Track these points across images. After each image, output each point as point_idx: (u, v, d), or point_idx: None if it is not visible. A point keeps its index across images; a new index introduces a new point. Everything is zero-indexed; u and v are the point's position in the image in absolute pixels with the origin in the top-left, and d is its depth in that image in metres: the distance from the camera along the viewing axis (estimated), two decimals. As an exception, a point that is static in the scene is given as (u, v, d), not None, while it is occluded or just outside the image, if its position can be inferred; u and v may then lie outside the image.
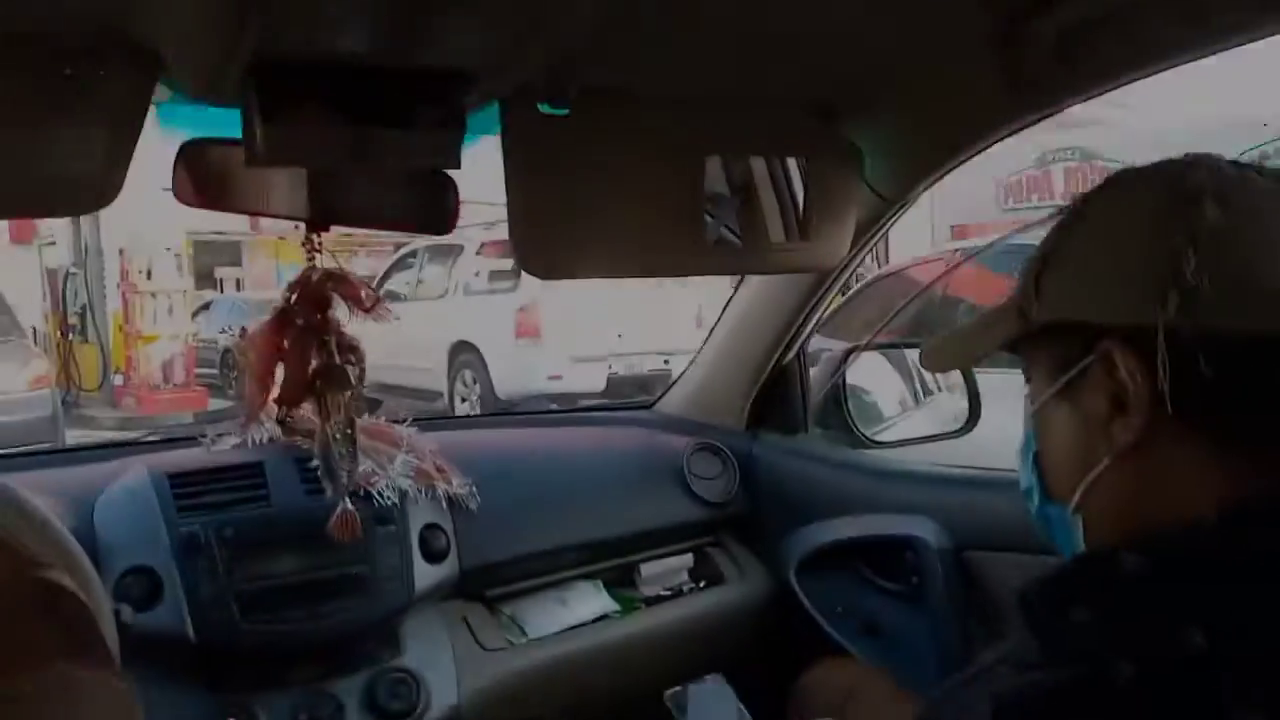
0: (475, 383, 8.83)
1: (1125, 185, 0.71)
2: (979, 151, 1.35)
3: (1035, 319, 0.71)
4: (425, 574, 1.39)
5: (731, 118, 1.27)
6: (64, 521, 1.21)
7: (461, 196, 1.19)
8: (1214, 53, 1.04)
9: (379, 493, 1.38)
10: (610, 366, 8.61)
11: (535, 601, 1.54)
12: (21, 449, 2.14)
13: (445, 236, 8.40)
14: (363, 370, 1.24)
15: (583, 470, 1.69)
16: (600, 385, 8.47)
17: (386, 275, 9.98)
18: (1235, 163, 0.68)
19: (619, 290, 7.60)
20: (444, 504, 1.46)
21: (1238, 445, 0.64)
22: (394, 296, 9.57)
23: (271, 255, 17.35)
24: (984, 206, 14.85)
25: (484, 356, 8.77)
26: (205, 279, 15.87)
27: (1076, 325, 0.68)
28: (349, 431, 1.21)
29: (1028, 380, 0.76)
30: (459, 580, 1.45)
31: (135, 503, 1.31)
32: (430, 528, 1.42)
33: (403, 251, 10.27)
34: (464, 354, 9.00)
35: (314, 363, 1.20)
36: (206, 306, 14.13)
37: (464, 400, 8.88)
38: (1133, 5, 0.98)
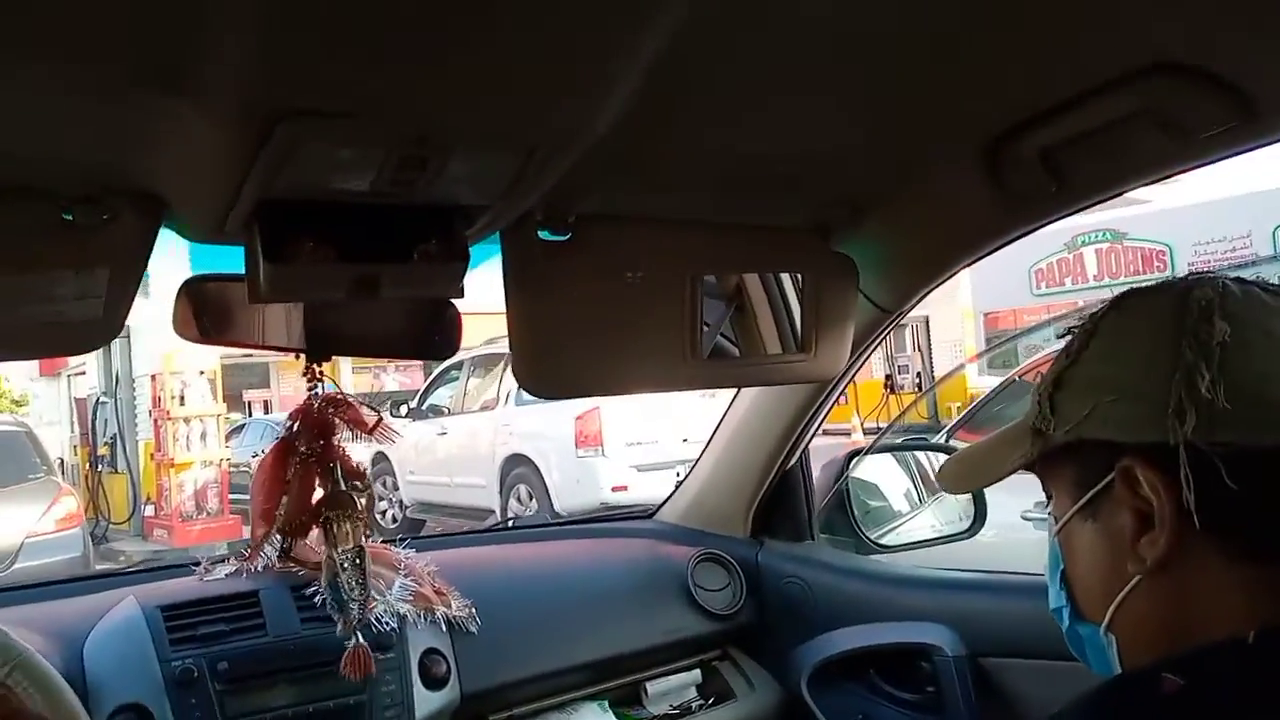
0: (532, 498, 8.33)
1: (1133, 305, 0.72)
2: (973, 262, 1.37)
3: (1053, 438, 0.71)
4: (426, 701, 1.36)
5: (726, 236, 1.29)
6: (53, 659, 1.18)
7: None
8: (1197, 167, 1.07)
9: (377, 618, 1.35)
10: (678, 474, 8.07)
11: (539, 725, 1.49)
12: (13, 584, 2.09)
13: (492, 346, 8.27)
14: (371, 496, 1.23)
15: (584, 586, 1.66)
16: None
17: (429, 390, 9.80)
18: (1239, 279, 0.69)
19: (682, 393, 7.16)
20: (443, 627, 1.43)
21: (1266, 559, 0.63)
22: (437, 411, 9.47)
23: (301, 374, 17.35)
24: (1017, 293, 15.17)
25: (540, 470, 8.25)
26: (234, 401, 15.61)
27: (1095, 444, 0.68)
28: (358, 561, 1.19)
29: (1048, 500, 0.77)
30: (460, 706, 1.41)
31: (126, 637, 1.28)
32: (430, 653, 1.39)
33: (447, 364, 9.76)
34: (518, 468, 8.46)
35: (319, 491, 1.19)
36: (239, 430, 13.66)
37: (518, 519, 8.29)
38: (1116, 123, 1.00)
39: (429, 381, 10.08)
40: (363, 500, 1.19)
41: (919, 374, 15.85)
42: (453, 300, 1.17)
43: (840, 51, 0.89)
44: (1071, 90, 0.99)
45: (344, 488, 1.18)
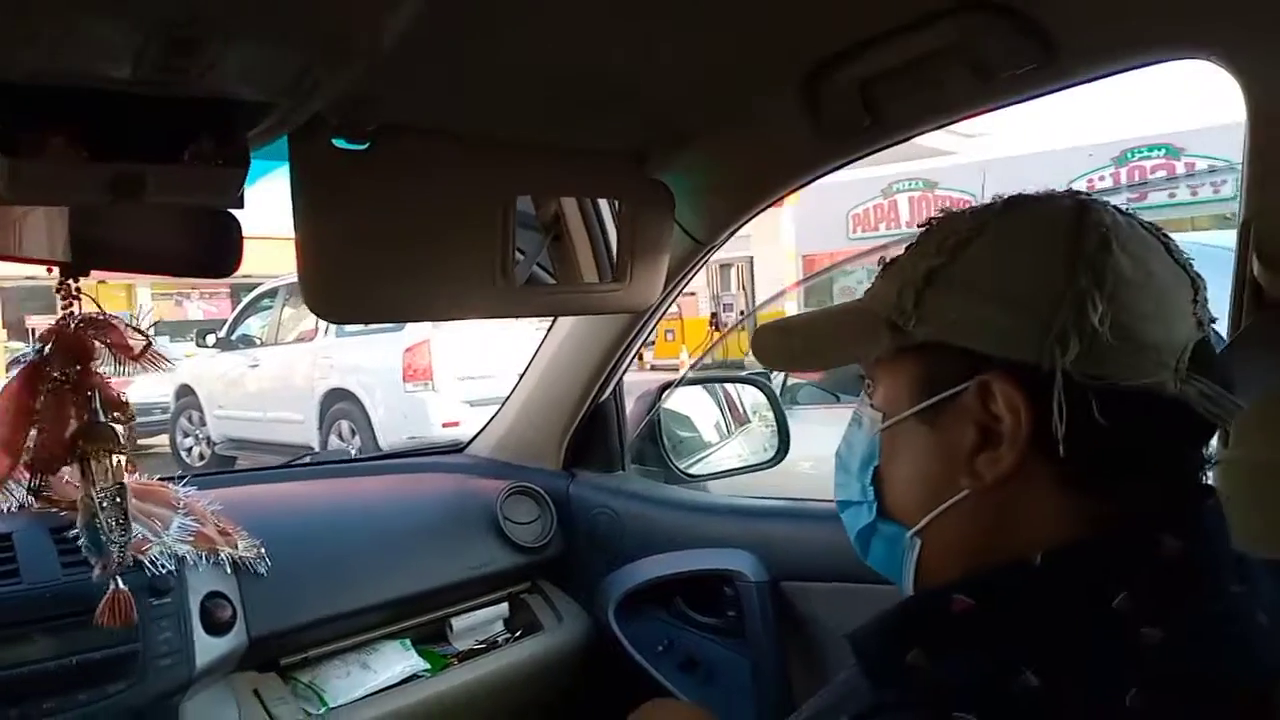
0: (355, 434, 7.78)
1: (1026, 213, 0.68)
2: (788, 193, 1.37)
3: (912, 335, 0.67)
4: (208, 647, 1.26)
5: (541, 159, 1.23)
6: None
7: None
8: (1002, 106, 1.09)
9: (151, 561, 1.24)
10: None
11: (336, 667, 1.42)
12: None
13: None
14: (133, 428, 1.10)
15: (387, 522, 1.59)
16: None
17: (239, 319, 9.09)
18: (1119, 209, 0.67)
19: (523, 324, 6.49)
20: (228, 569, 1.33)
21: (1092, 490, 0.64)
22: (248, 341, 8.83)
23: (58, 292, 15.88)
24: (835, 237, 15.67)
25: (364, 405, 7.74)
26: (16, 328, 14.06)
27: (956, 349, 0.65)
28: (118, 500, 1.07)
29: (870, 389, 0.73)
30: (248, 651, 1.32)
31: None
32: (213, 596, 1.29)
33: (258, 291, 9.17)
34: (340, 403, 7.92)
35: (74, 423, 1.06)
36: (19, 361, 12.47)
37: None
38: (927, 58, 1.01)
39: (238, 310, 9.42)
40: (124, 433, 1.07)
41: (743, 312, 16.32)
42: (233, 212, 1.06)
43: None
44: (887, 23, 0.99)
45: (103, 419, 1.06)
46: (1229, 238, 1.00)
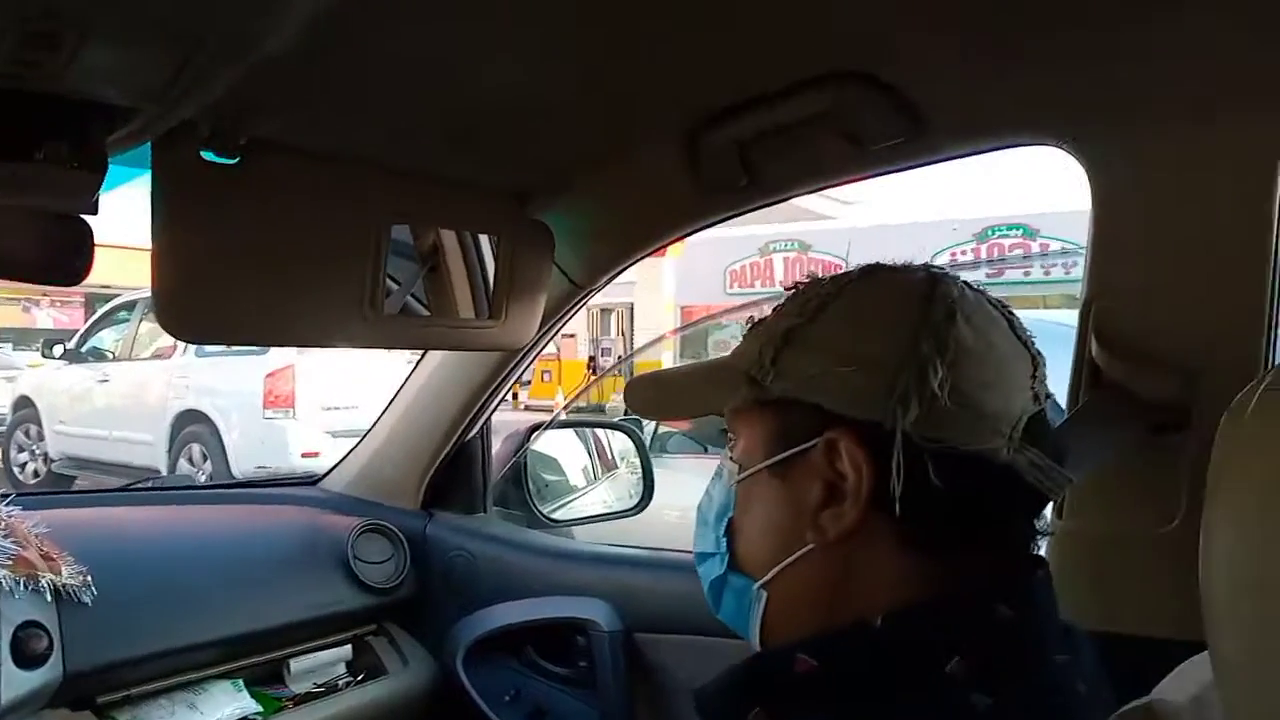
0: (206, 459, 7.44)
1: (881, 281, 0.72)
2: (668, 243, 1.39)
3: (769, 391, 0.70)
4: (16, 681, 1.16)
5: (420, 188, 1.21)
6: None
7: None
8: (872, 176, 1.14)
9: (-39, 585, 1.14)
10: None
11: (159, 707, 1.32)
12: None
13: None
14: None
15: (228, 554, 1.51)
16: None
17: (91, 330, 8.56)
18: (969, 284, 0.71)
19: (394, 354, 6.35)
20: (49, 596, 1.23)
21: (930, 552, 0.66)
22: (99, 355, 8.35)
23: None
24: (713, 290, 16.02)
25: (219, 429, 7.41)
26: None
27: (808, 406, 0.68)
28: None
29: (732, 443, 0.75)
30: (62, 686, 1.22)
31: None
32: (28, 626, 1.19)
33: (115, 303, 8.67)
34: (193, 425, 7.57)
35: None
36: None
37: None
38: (801, 124, 1.05)
39: (92, 321, 8.88)
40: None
41: (620, 357, 16.46)
42: (84, 217, 1.00)
43: (552, 13, 0.85)
44: (764, 88, 1.03)
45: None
46: (1075, 317, 1.07)
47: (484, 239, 1.34)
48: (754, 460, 0.72)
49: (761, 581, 0.72)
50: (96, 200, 0.94)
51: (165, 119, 0.91)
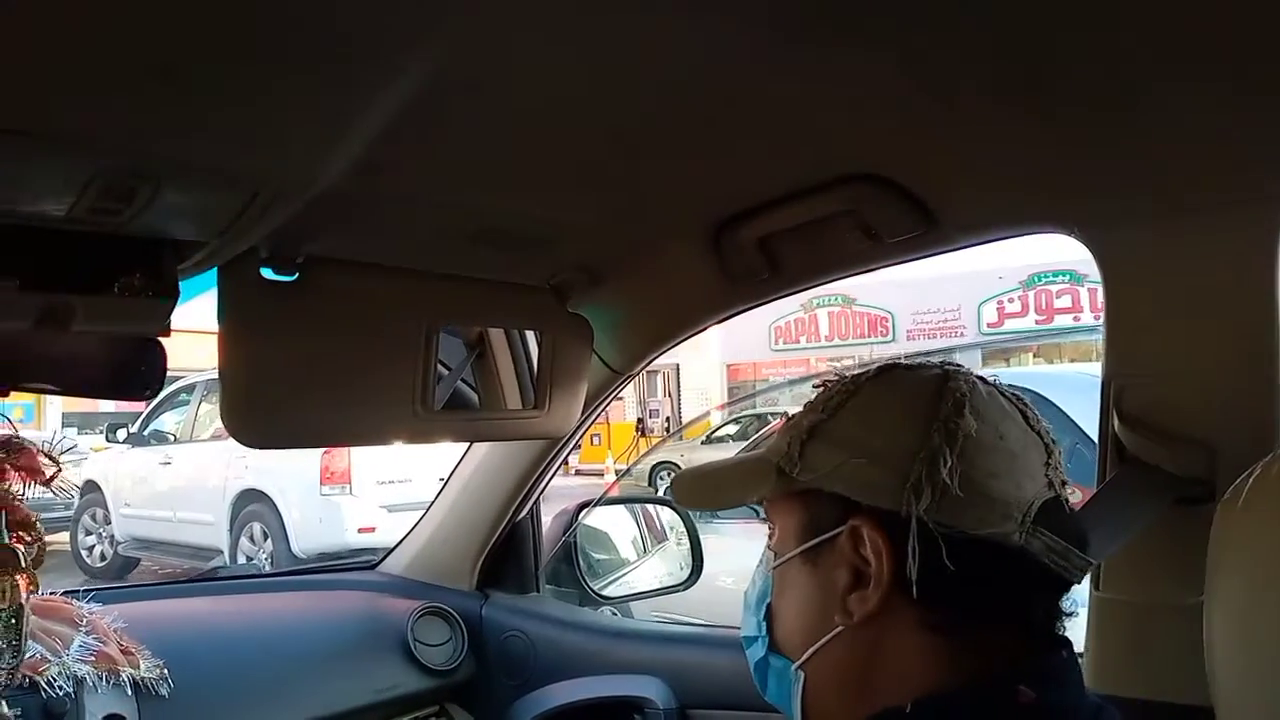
0: (267, 538, 7.56)
1: (895, 378, 0.77)
2: (701, 330, 1.44)
3: (796, 482, 0.75)
4: (104, 772, 1.23)
5: (464, 290, 1.28)
6: None
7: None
8: (888, 265, 1.19)
9: (49, 682, 1.21)
10: (432, 515, 7.57)
11: (234, 794, 1.39)
12: None
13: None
14: (41, 548, 1.10)
15: (294, 642, 1.57)
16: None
17: (153, 413, 8.79)
18: (984, 379, 0.76)
19: None
20: (129, 690, 1.30)
21: (950, 633, 0.70)
22: (161, 438, 8.56)
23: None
24: (757, 348, 16.09)
25: (278, 507, 7.49)
26: None
27: (832, 496, 0.73)
28: (14, 621, 1.06)
29: (771, 533, 0.80)
30: None
31: None
32: (111, 719, 1.26)
33: (175, 386, 8.84)
34: (252, 504, 7.68)
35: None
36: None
37: (250, 560, 7.59)
38: (821, 221, 1.11)
39: (153, 404, 9.12)
40: (30, 554, 1.06)
41: (668, 418, 16.48)
42: (158, 338, 1.08)
43: (582, 134, 0.92)
44: (784, 189, 1.09)
45: (4, 540, 1.06)
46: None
47: (528, 334, 1.41)
48: (787, 548, 0.77)
49: (798, 663, 0.76)
50: (169, 323, 1.03)
51: (229, 249, 1.00)
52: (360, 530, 7.23)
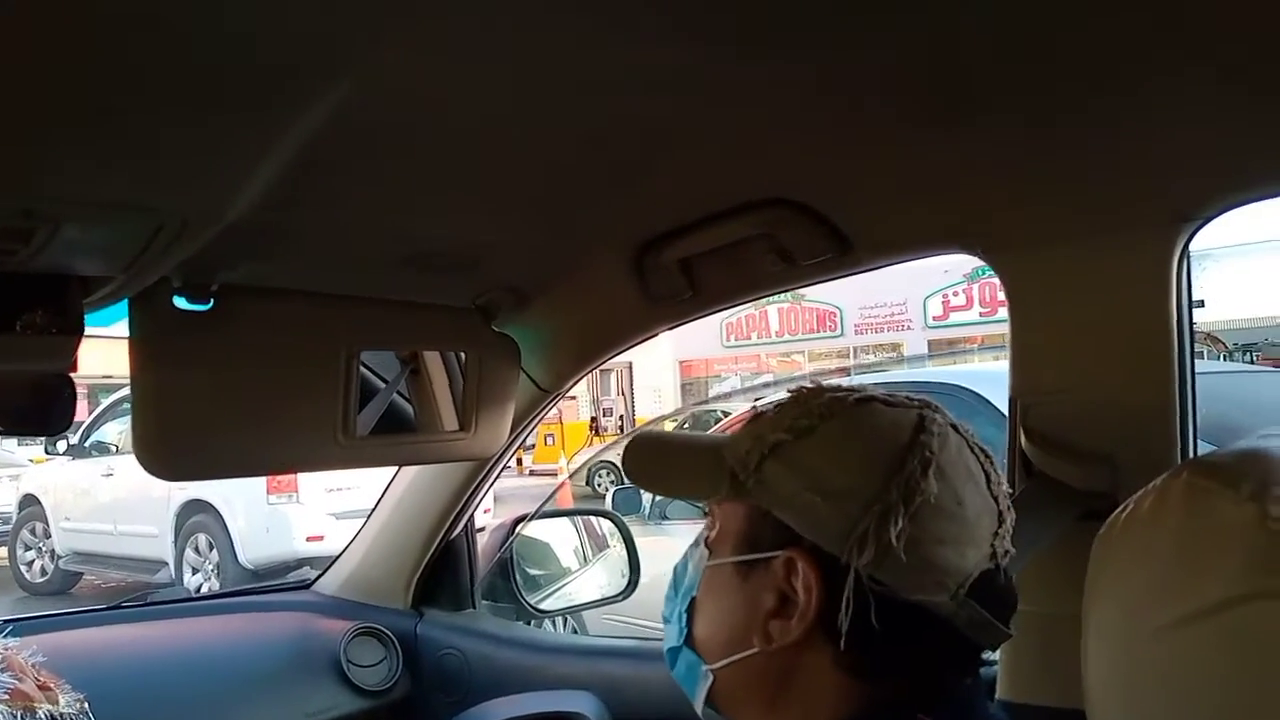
0: (212, 548, 7.48)
1: (870, 416, 0.74)
2: (627, 348, 1.45)
3: (747, 494, 0.74)
4: (18, 815, 1.20)
5: (385, 313, 1.27)
6: None
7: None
8: (805, 285, 1.21)
9: (-40, 724, 1.19)
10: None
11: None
12: None
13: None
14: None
15: (225, 667, 1.55)
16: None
17: (94, 424, 8.56)
18: (961, 430, 0.74)
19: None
20: (47, 728, 1.27)
21: (864, 676, 0.71)
22: (103, 449, 8.35)
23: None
24: (710, 344, 16.11)
25: (224, 517, 7.38)
26: None
27: (778, 520, 0.72)
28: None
29: (711, 526, 0.79)
30: None
31: None
32: (28, 758, 1.23)
33: (116, 396, 8.63)
34: (197, 515, 7.57)
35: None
36: None
37: (196, 571, 7.54)
38: (739, 243, 1.12)
39: (95, 414, 8.89)
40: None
41: (621, 416, 16.49)
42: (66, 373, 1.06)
43: (504, 159, 0.92)
44: (702, 213, 1.10)
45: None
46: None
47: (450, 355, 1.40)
48: (723, 552, 0.77)
49: (710, 666, 0.77)
50: (75, 359, 1.01)
51: (138, 282, 0.98)
52: (309, 539, 7.13)
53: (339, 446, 1.22)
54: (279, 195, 0.86)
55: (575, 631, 2.27)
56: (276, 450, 1.19)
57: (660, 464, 0.88)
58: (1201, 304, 13.04)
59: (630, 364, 17.05)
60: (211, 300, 1.10)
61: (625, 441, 0.89)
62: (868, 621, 0.68)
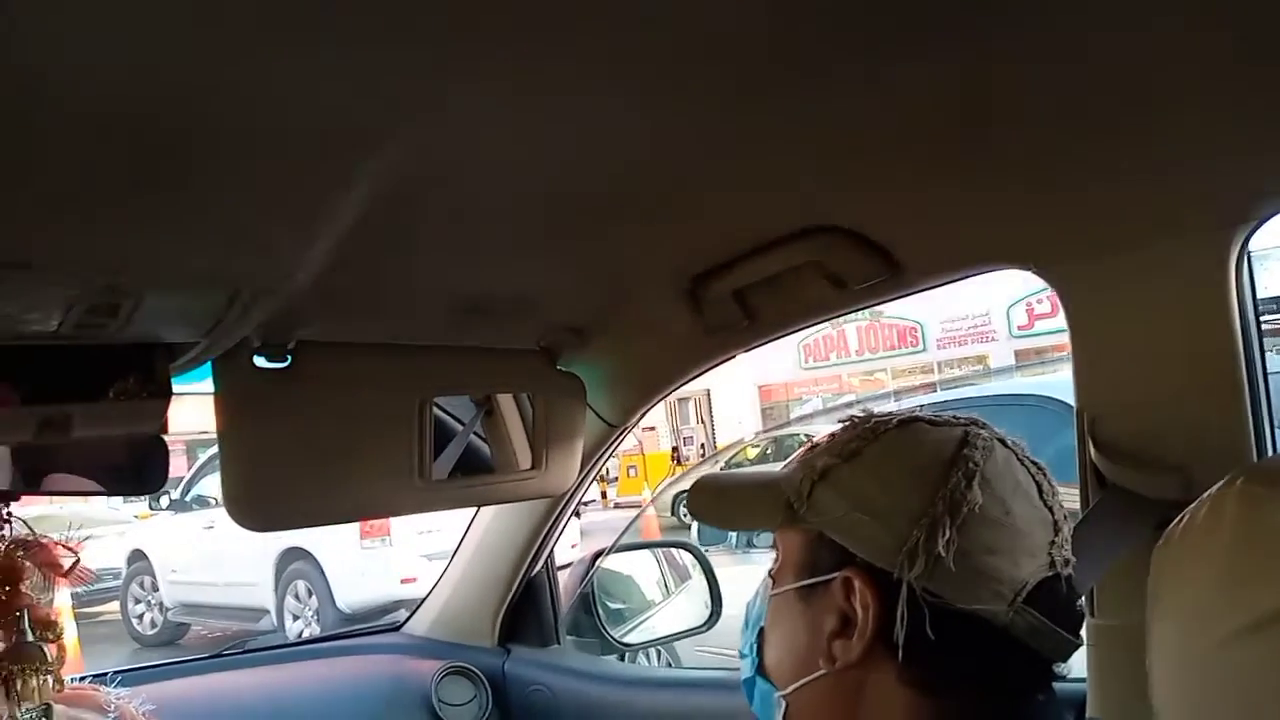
0: (311, 595, 7.68)
1: (915, 435, 0.76)
2: (690, 379, 1.47)
3: (801, 520, 0.76)
4: None
5: (454, 359, 1.32)
6: None
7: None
8: (856, 310, 1.22)
9: (79, 773, 1.25)
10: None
11: None
12: None
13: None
14: (62, 646, 1.14)
15: (320, 711, 1.60)
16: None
17: (194, 478, 8.91)
18: (1008, 443, 0.75)
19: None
20: (156, 774, 1.33)
21: (928, 692, 0.71)
22: (203, 502, 8.65)
23: None
24: (788, 366, 15.99)
25: (320, 564, 7.59)
26: None
27: (833, 542, 0.74)
28: (43, 719, 1.10)
29: (776, 558, 0.81)
30: None
31: None
32: (140, 805, 1.29)
33: (213, 450, 8.59)
34: (295, 562, 7.77)
35: (1, 644, 1.10)
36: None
37: (297, 617, 7.70)
38: (790, 272, 1.13)
39: (195, 469, 9.24)
40: (53, 651, 1.10)
41: (703, 445, 16.43)
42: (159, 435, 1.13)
43: (555, 207, 0.95)
44: (752, 244, 1.12)
45: (31, 639, 1.10)
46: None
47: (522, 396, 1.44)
48: (785, 580, 0.79)
49: (782, 692, 0.78)
50: (165, 421, 1.07)
51: (219, 345, 1.04)
52: (403, 581, 7.23)
53: (416, 490, 1.26)
54: (341, 258, 0.90)
55: (670, 665, 2.29)
56: (357, 497, 1.23)
57: (721, 502, 0.90)
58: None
59: (708, 391, 16.99)
60: (289, 357, 1.15)
61: (690, 483, 0.91)
62: (924, 633, 0.69)
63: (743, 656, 0.84)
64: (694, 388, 16.56)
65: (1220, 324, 0.94)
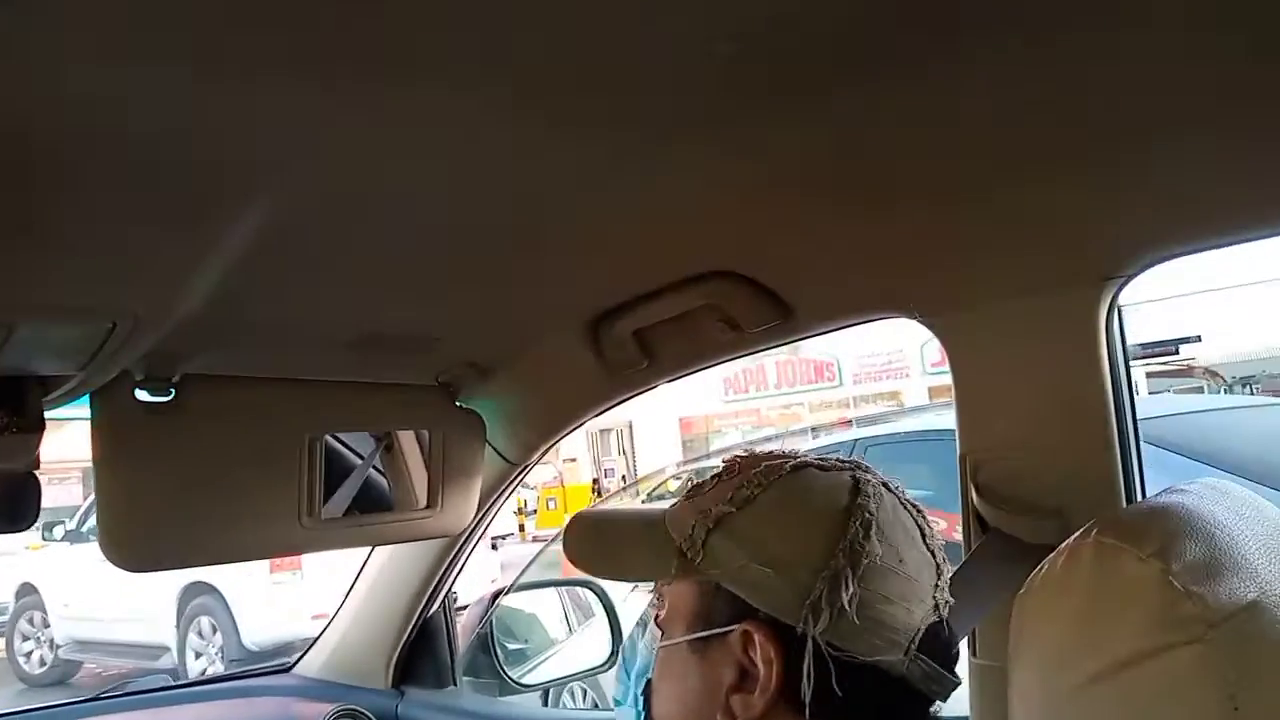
0: (216, 631, 7.30)
1: (808, 482, 0.75)
2: (591, 418, 1.46)
3: (696, 571, 0.74)
4: None
5: (349, 394, 1.29)
6: None
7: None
8: (752, 353, 1.24)
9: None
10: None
11: None
12: None
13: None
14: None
15: (202, 758, 1.54)
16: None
17: (92, 508, 8.54)
18: (895, 490, 0.76)
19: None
20: (20, 827, 1.26)
21: None
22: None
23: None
24: (710, 400, 16.10)
25: (226, 599, 7.22)
26: None
27: (730, 593, 0.72)
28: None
29: (660, 606, 0.80)
30: None
31: None
32: None
33: None
34: (200, 597, 7.37)
35: None
36: None
37: (200, 655, 7.31)
38: (688, 314, 1.15)
39: (90, 499, 8.93)
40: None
41: (624, 476, 16.41)
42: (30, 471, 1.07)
43: (454, 242, 0.94)
44: (652, 285, 1.13)
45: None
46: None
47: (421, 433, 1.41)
48: (676, 631, 0.77)
49: None
50: (36, 457, 1.02)
51: (97, 378, 1.00)
52: (314, 617, 6.84)
53: (304, 530, 1.23)
54: (230, 290, 0.88)
55: (596, 705, 2.23)
56: (240, 538, 1.20)
57: (604, 546, 0.86)
58: (1199, 339, 13.07)
59: (630, 423, 17.01)
60: (173, 391, 1.12)
61: (565, 524, 0.86)
62: (829, 687, 0.69)
63: (618, 704, 0.83)
64: (616, 419, 16.58)
65: (1093, 373, 0.97)
